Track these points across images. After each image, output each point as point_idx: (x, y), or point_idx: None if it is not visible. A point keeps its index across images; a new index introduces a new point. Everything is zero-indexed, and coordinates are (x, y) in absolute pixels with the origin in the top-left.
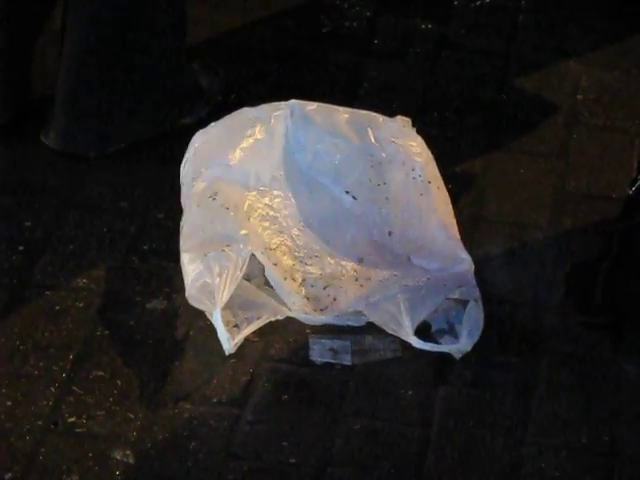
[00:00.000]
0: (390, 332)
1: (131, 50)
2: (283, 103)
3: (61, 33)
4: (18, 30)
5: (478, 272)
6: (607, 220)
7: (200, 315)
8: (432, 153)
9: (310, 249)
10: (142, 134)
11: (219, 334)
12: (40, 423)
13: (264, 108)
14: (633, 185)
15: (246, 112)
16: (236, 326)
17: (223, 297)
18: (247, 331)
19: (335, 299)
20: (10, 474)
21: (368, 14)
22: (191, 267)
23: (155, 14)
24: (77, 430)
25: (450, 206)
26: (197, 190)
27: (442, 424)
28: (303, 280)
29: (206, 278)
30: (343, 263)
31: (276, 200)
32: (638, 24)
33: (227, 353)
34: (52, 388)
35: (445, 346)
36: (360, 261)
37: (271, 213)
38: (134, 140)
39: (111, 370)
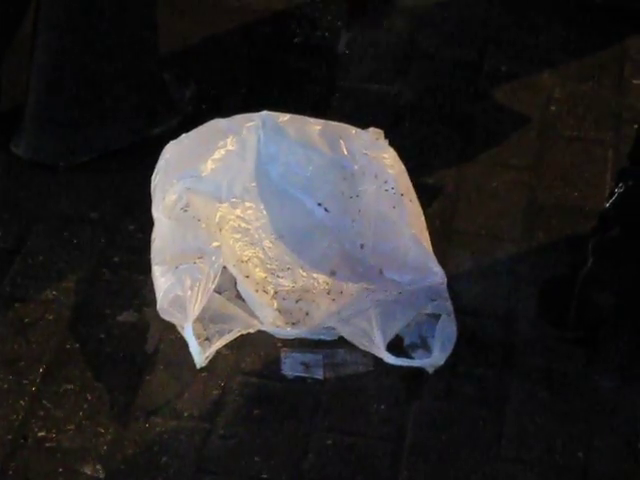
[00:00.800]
0: (362, 348)
1: (101, 60)
2: (255, 114)
3: (32, 42)
4: None
5: (451, 285)
6: (583, 233)
7: (171, 328)
8: (404, 165)
9: (282, 261)
10: (112, 144)
11: (190, 347)
12: (10, 437)
13: (236, 119)
14: (610, 198)
15: (217, 123)
16: (207, 339)
17: (195, 310)
18: (218, 344)
19: (307, 313)
20: None
21: (340, 24)
22: (162, 280)
23: (126, 24)
24: (47, 444)
25: (422, 218)
26: (168, 202)
27: (415, 439)
28: (275, 293)
29: (177, 291)
30: (315, 276)
31: (248, 212)
32: (611, 35)
33: (198, 367)
34: (22, 402)
35: (418, 361)
36: (332, 274)
37: (243, 225)
38: (105, 150)
39: (81, 384)
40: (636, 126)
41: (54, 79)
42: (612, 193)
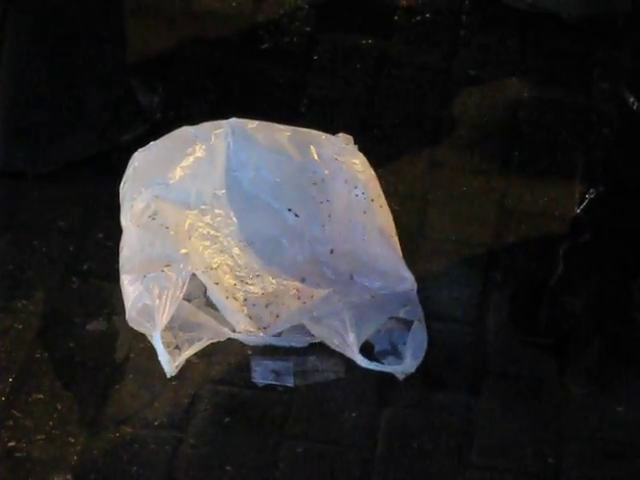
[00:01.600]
0: (334, 348)
1: (68, 69)
2: (223, 121)
3: None
4: None
5: (421, 291)
6: (553, 238)
7: (141, 336)
8: (374, 170)
9: (251, 269)
10: (81, 152)
11: (159, 356)
12: None
13: (204, 126)
14: (580, 204)
15: (186, 130)
16: (177, 347)
17: (163, 319)
18: (188, 353)
19: (278, 315)
20: None
21: (308, 29)
22: (131, 288)
23: (93, 32)
24: (16, 455)
25: (392, 224)
26: (136, 210)
27: (386, 446)
28: (245, 300)
29: (146, 300)
30: (285, 282)
31: (217, 219)
32: (579, 39)
33: (168, 376)
34: None
35: (390, 366)
36: (302, 280)
37: (212, 232)
38: (73, 158)
39: (51, 393)
40: (606, 130)
41: (20, 88)
42: (583, 198)
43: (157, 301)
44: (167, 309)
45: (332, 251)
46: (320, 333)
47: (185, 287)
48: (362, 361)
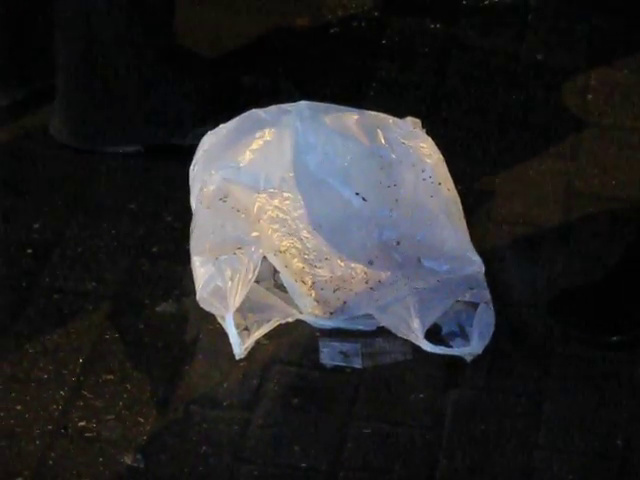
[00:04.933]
0: (400, 335)
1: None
2: (292, 104)
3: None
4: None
5: (489, 273)
6: (621, 221)
7: (209, 318)
8: (442, 154)
9: (320, 252)
10: (153, 140)
11: (231, 338)
12: (50, 427)
13: (273, 109)
14: None
15: (255, 114)
16: (246, 329)
17: (236, 301)
18: (257, 334)
19: (345, 302)
20: (20, 479)
21: (376, 14)
22: (202, 270)
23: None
24: (87, 434)
25: (460, 207)
26: (207, 192)
27: (453, 428)
28: (313, 283)
29: (218, 281)
30: (353, 266)
31: (286, 202)
32: None
33: (237, 357)
34: (62, 392)
35: (456, 349)
36: (370, 264)
37: (281, 215)
38: (147, 143)
39: (121, 374)
40: None
41: (101, 73)
42: None
43: (229, 283)
44: (239, 291)
45: (399, 243)
46: (386, 321)
47: (257, 270)
48: (427, 346)
